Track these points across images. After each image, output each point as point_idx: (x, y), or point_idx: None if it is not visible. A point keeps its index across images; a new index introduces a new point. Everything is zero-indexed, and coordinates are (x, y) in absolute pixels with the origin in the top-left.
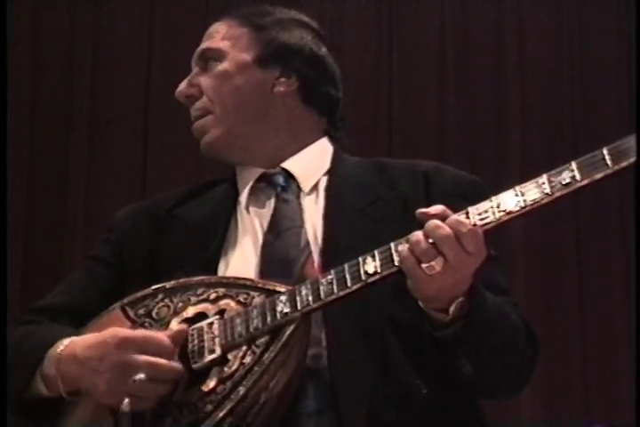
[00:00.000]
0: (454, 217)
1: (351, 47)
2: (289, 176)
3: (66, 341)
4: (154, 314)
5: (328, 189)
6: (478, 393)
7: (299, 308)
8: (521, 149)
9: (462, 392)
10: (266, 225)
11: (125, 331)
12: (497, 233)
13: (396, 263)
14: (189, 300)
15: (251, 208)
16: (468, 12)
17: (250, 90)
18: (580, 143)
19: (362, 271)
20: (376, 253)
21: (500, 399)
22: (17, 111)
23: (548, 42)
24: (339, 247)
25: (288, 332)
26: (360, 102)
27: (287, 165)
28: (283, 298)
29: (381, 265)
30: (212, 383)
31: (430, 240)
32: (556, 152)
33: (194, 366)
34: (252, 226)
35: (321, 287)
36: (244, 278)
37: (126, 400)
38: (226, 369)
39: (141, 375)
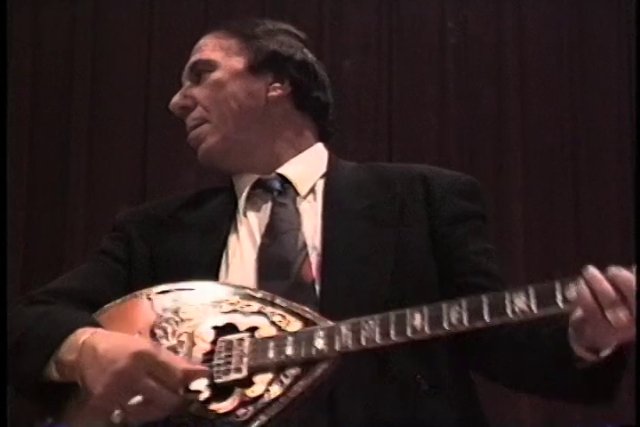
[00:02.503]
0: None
1: (351, 49)
2: (285, 181)
3: (90, 329)
4: (181, 312)
5: (325, 192)
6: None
7: (336, 348)
8: (522, 151)
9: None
10: (263, 228)
11: (149, 345)
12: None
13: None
14: (221, 306)
15: (248, 213)
16: (469, 12)
17: (245, 96)
18: (581, 145)
19: (408, 326)
20: (425, 309)
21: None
22: (17, 111)
23: (549, 40)
24: (338, 249)
25: (320, 370)
26: (360, 106)
27: (282, 170)
28: (321, 333)
29: (430, 325)
30: (232, 404)
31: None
32: (556, 153)
33: (217, 380)
34: (250, 230)
35: (362, 332)
36: (282, 299)
37: (117, 412)
38: (249, 392)
39: (139, 398)
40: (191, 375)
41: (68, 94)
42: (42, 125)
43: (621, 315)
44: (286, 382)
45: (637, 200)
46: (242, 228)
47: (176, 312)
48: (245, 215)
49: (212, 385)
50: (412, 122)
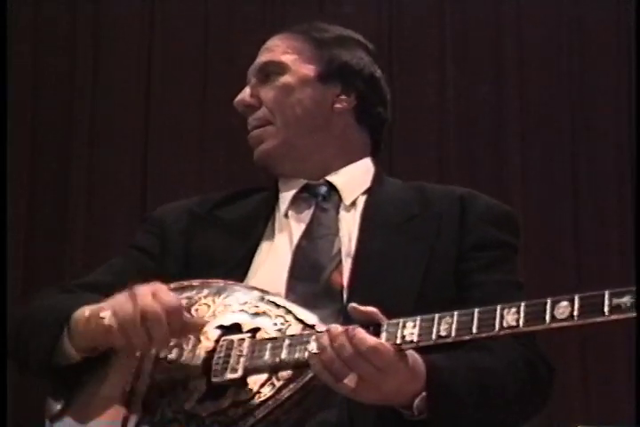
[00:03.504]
0: (359, 335)
1: None
2: (331, 189)
3: (94, 306)
4: (193, 310)
5: (367, 205)
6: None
7: None
8: (521, 151)
9: None
10: (302, 231)
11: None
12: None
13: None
14: (231, 306)
15: (290, 214)
16: (468, 12)
17: (311, 104)
18: (581, 145)
19: (399, 335)
20: (418, 319)
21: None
22: (18, 111)
23: (549, 40)
24: (370, 260)
25: (312, 374)
26: None
27: (331, 178)
28: (315, 337)
29: (419, 335)
30: (225, 403)
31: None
32: (556, 153)
33: (213, 379)
34: (289, 231)
35: None
36: (291, 303)
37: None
38: (242, 393)
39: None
40: (172, 314)
41: (69, 95)
42: (43, 126)
43: (347, 381)
44: (277, 384)
45: (637, 201)
46: (280, 228)
47: (188, 310)
48: (287, 216)
49: (208, 384)
50: (411, 122)
